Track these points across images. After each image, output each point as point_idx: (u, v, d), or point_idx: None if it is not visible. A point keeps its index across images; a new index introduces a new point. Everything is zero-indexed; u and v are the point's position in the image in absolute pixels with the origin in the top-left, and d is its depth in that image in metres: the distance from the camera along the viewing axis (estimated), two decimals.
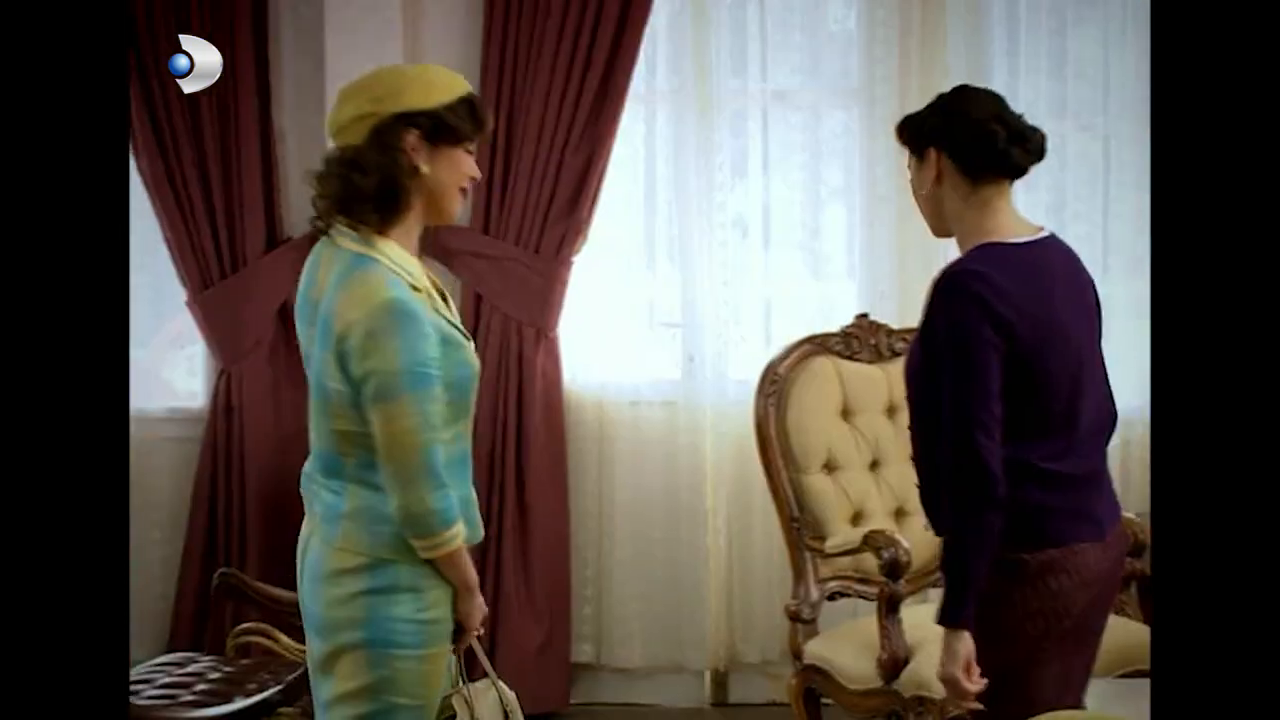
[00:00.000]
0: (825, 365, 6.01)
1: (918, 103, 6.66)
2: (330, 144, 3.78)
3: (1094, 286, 4.06)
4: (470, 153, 3.78)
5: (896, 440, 5.98)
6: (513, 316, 6.87)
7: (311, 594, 3.76)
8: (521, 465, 6.87)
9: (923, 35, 6.85)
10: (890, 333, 6.13)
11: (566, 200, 6.85)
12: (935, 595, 5.82)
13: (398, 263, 3.68)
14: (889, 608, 5.43)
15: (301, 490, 3.89)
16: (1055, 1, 6.92)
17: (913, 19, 6.85)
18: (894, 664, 5.39)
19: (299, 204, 6.95)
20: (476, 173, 3.81)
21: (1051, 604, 3.87)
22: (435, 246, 6.67)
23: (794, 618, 5.80)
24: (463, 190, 3.79)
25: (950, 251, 4.03)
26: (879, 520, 5.85)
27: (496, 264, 6.79)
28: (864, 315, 6.16)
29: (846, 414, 6.00)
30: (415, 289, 3.67)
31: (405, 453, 3.61)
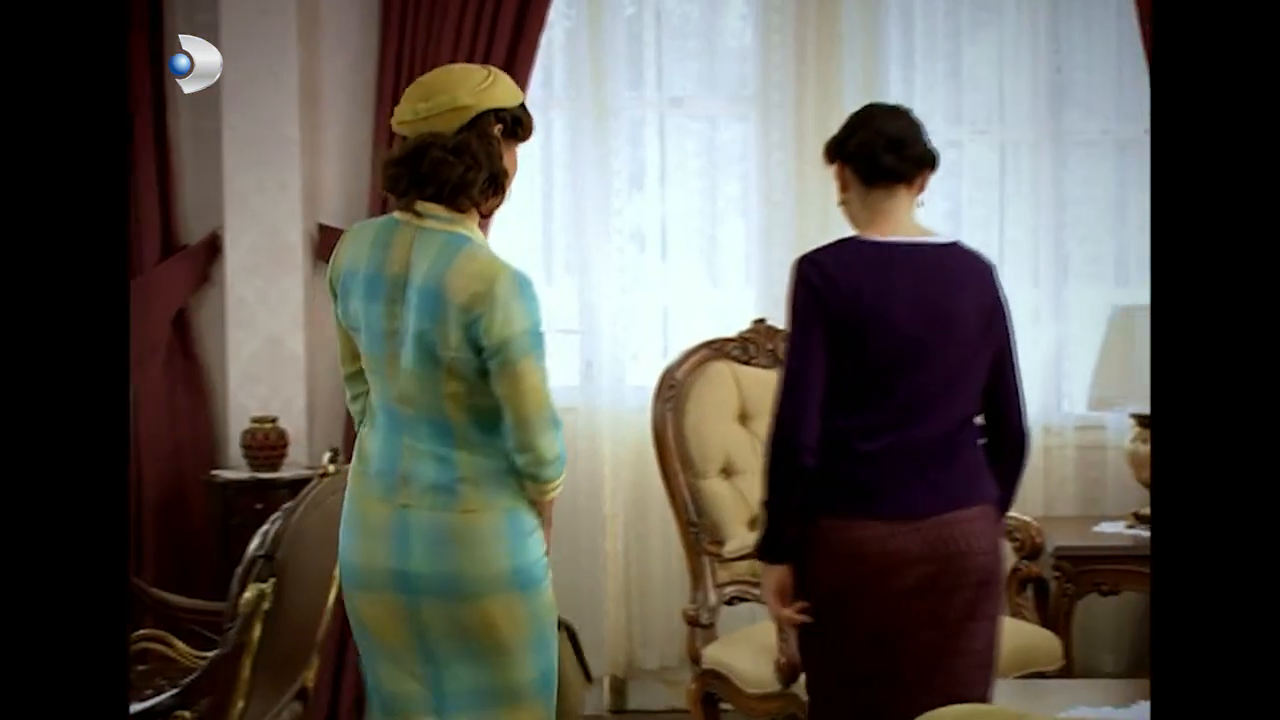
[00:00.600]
0: (722, 370, 6.04)
1: (814, 112, 6.80)
2: (405, 133, 4.00)
3: (991, 291, 4.23)
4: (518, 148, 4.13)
5: None
6: None
7: (439, 559, 3.99)
8: None
9: (819, 45, 6.89)
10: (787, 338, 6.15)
11: None
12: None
13: (484, 242, 4.02)
14: None
15: (369, 470, 4.08)
16: (950, 11, 6.98)
17: (808, 29, 6.89)
18: (792, 668, 5.40)
19: (195, 210, 6.91)
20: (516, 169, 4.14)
21: (845, 568, 4.11)
22: (323, 248, 6.65)
23: (692, 623, 5.82)
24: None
25: None
26: None
27: None
28: (761, 320, 6.19)
29: (744, 418, 6.03)
30: None
31: (536, 406, 3.93)
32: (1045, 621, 5.93)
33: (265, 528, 4.53)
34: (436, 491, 4.00)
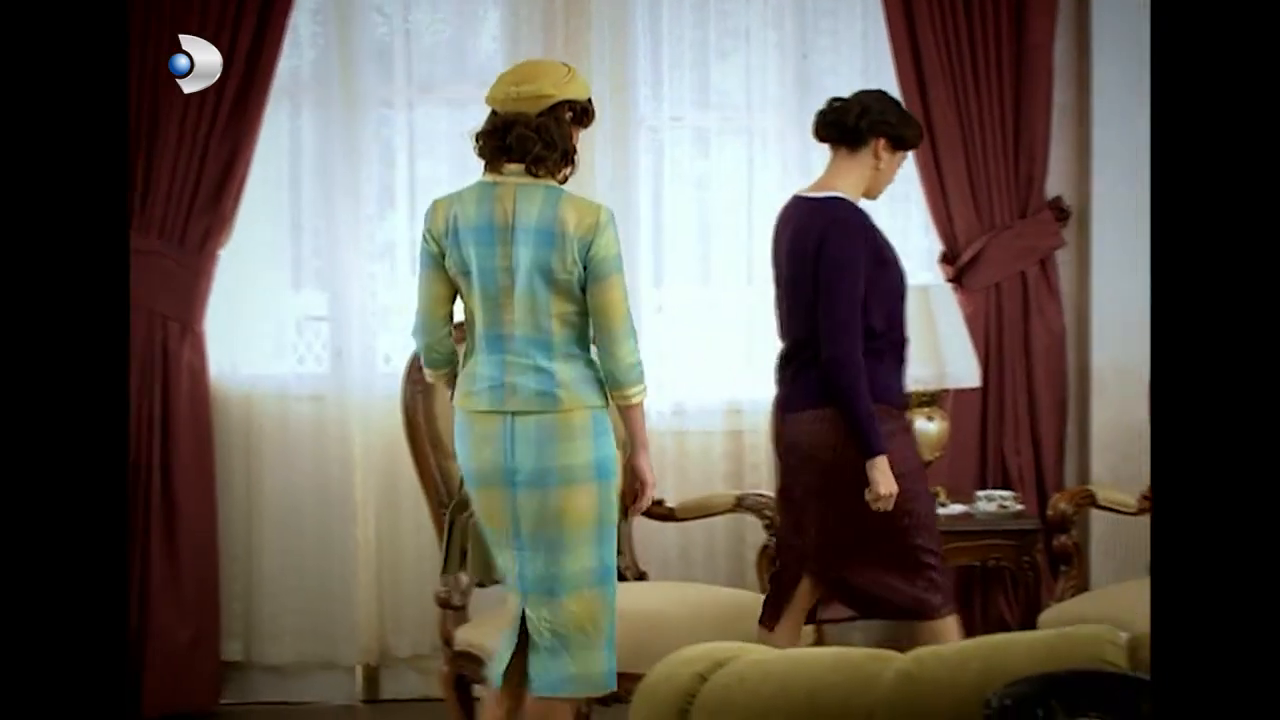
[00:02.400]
0: None
1: None
2: (496, 108, 4.94)
3: (815, 241, 5.29)
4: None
5: None
6: (157, 311, 6.74)
7: (540, 455, 4.90)
8: (167, 461, 6.75)
9: (567, 36, 6.91)
10: None
11: (210, 192, 6.76)
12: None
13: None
14: None
15: (476, 389, 4.99)
16: (698, 2, 7.04)
17: (556, 19, 6.91)
18: None
19: None
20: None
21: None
22: None
23: (444, 604, 5.81)
24: None
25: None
26: None
27: (140, 257, 6.64)
28: None
29: None
30: None
31: (618, 318, 4.92)
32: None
33: None
34: (540, 396, 4.91)
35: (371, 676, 7.05)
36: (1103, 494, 6.16)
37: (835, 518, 5.34)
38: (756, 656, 3.10)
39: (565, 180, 4.99)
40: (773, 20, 7.05)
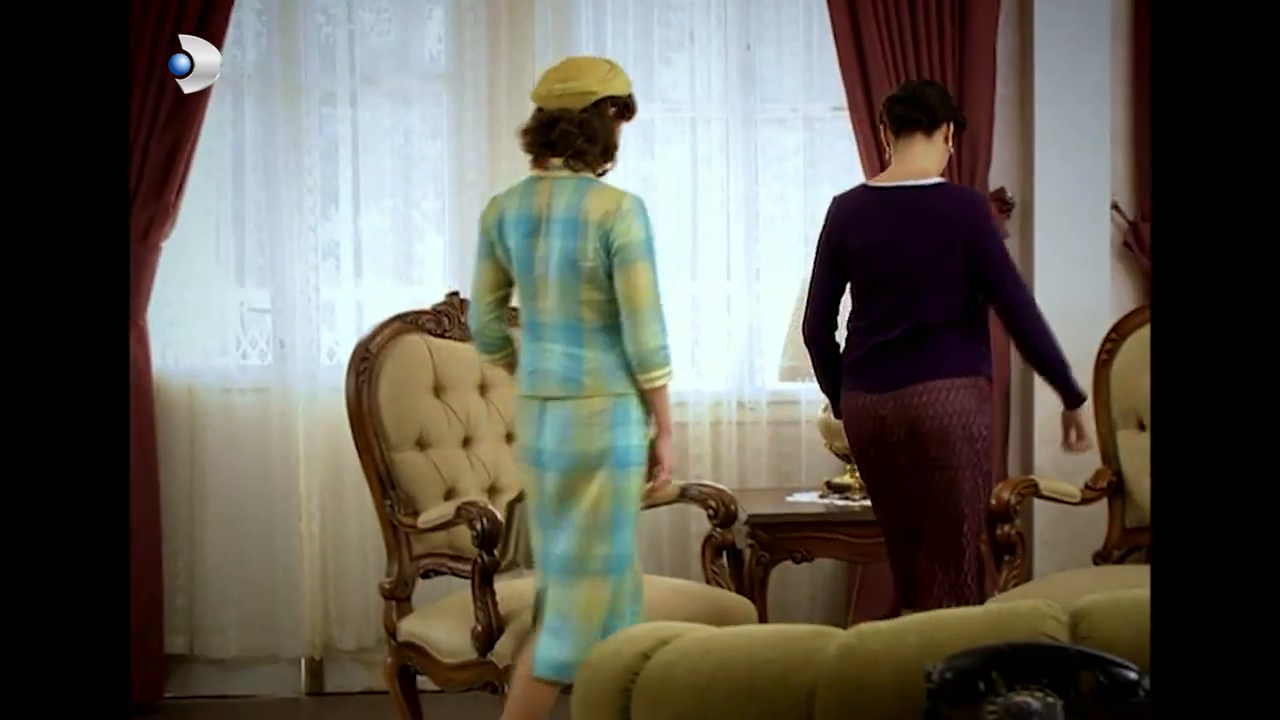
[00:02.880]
0: (416, 343, 6.01)
1: (505, 85, 6.81)
2: (541, 105, 5.08)
3: (961, 224, 5.48)
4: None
5: (489, 417, 6.04)
6: None
7: (562, 439, 5.07)
8: None
9: (511, 28, 6.91)
10: None
11: (154, 184, 6.73)
12: (530, 571, 5.90)
13: (605, 182, 5.14)
14: (483, 579, 5.45)
15: (522, 373, 5.20)
16: None
17: (500, 8, 6.91)
18: (488, 635, 5.42)
19: None
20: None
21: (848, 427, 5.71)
22: None
23: (388, 596, 5.80)
24: None
25: None
26: (472, 496, 5.86)
27: None
28: (454, 293, 6.17)
29: (438, 391, 6.01)
30: None
31: (645, 302, 5.01)
32: (740, 588, 6.01)
33: None
34: (566, 382, 5.08)
35: (316, 669, 7.03)
36: (1046, 484, 6.17)
37: (952, 486, 5.52)
38: (700, 634, 3.10)
39: (604, 174, 5.13)
40: (716, 17, 7.06)
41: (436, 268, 7.11)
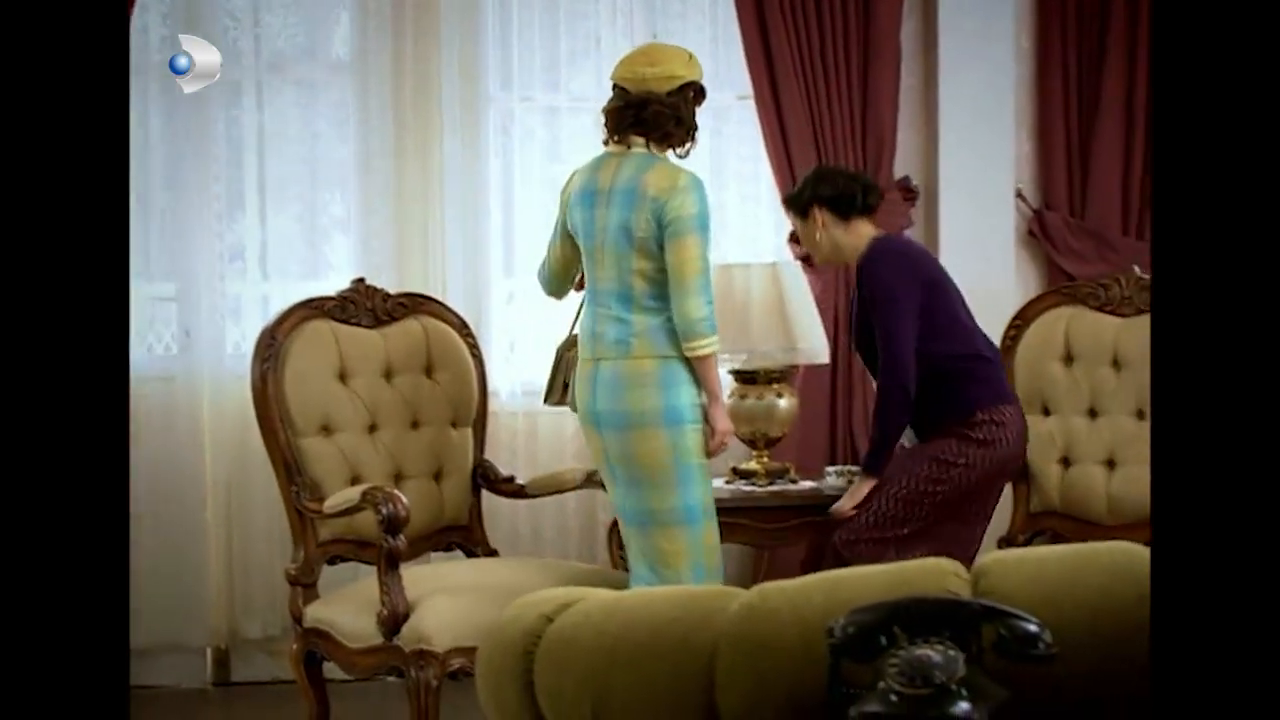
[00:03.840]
0: (322, 329, 5.97)
1: (412, 74, 6.80)
2: (627, 87, 5.38)
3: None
4: None
5: (394, 403, 6.02)
6: None
7: (614, 399, 5.36)
8: None
9: (416, 18, 6.90)
10: (387, 297, 6.14)
11: None
12: (436, 558, 5.88)
13: (672, 161, 5.46)
14: (389, 564, 5.44)
15: (583, 337, 5.51)
16: None
17: (405, 24, 6.91)
18: (394, 619, 5.40)
19: None
20: None
21: None
22: None
23: (294, 581, 5.77)
24: None
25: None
26: (377, 482, 5.84)
27: None
28: (361, 280, 6.15)
29: (344, 377, 5.98)
30: None
31: (692, 274, 5.27)
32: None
33: None
34: (617, 344, 5.36)
35: (222, 659, 7.00)
36: None
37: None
38: (604, 597, 3.10)
39: (687, 154, 5.47)
40: (623, 8, 7.08)
41: (345, 256, 7.08)
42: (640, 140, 5.42)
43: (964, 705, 2.62)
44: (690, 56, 5.50)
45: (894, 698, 2.63)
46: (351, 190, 7.04)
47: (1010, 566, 2.89)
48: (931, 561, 2.92)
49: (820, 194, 5.88)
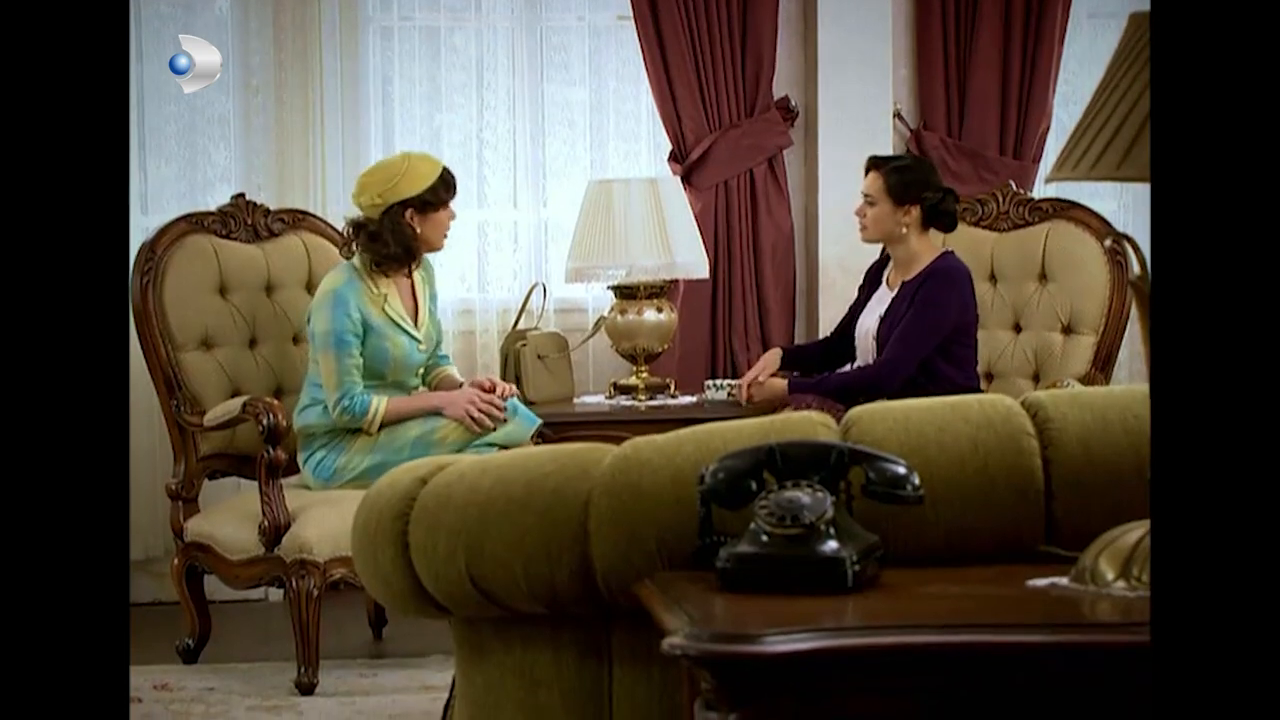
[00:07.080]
0: (202, 243, 5.97)
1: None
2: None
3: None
4: (448, 206, 5.74)
5: (275, 318, 6.02)
6: None
7: None
8: None
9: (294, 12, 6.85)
10: (267, 213, 6.13)
11: None
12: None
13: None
14: (269, 474, 5.45)
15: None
16: None
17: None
18: (275, 530, 5.41)
19: None
20: (453, 217, 5.79)
21: None
22: None
23: (175, 496, 5.77)
24: (446, 234, 5.78)
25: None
26: (258, 395, 5.82)
27: None
28: (241, 194, 6.14)
29: (224, 291, 5.97)
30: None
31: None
32: None
33: None
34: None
35: None
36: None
37: None
38: (478, 459, 3.13)
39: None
40: None
41: (227, 171, 7.00)
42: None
43: (832, 544, 2.67)
44: (403, 169, 5.65)
45: (764, 538, 2.67)
46: (232, 105, 6.95)
47: (878, 416, 2.93)
48: (801, 414, 2.96)
49: (927, 200, 5.96)
